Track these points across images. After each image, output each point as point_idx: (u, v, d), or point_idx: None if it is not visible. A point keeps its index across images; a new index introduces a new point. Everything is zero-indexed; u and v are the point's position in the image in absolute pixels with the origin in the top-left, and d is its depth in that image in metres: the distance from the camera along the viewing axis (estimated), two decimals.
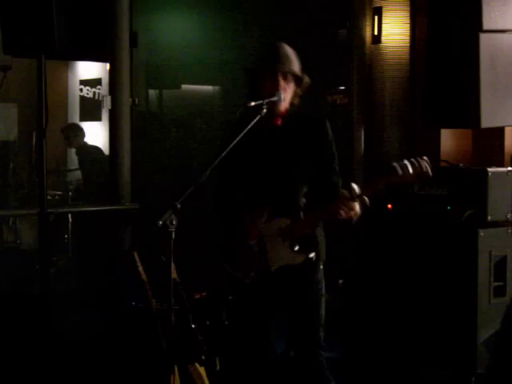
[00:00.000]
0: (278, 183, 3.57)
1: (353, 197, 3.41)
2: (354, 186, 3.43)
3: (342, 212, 3.42)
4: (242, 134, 3.36)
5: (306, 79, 3.62)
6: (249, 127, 3.38)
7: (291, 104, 3.61)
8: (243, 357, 3.75)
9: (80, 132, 8.67)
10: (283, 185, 3.57)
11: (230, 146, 3.33)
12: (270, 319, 3.71)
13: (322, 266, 3.66)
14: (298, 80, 3.59)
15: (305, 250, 3.55)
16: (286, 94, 3.54)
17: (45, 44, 4.25)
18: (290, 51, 3.59)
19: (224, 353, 4.13)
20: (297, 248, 3.53)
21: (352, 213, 3.43)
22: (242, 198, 3.69)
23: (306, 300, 3.61)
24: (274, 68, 3.52)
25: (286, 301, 3.65)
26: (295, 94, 3.61)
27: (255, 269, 3.57)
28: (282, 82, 3.51)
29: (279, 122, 3.59)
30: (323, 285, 3.66)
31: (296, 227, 3.55)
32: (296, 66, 3.58)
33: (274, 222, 3.55)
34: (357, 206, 3.44)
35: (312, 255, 3.56)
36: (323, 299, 3.65)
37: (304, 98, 3.66)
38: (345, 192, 3.45)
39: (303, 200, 3.59)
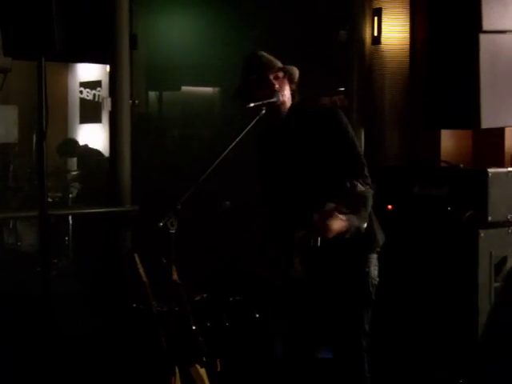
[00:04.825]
0: (292, 185, 3.52)
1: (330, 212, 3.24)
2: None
3: (314, 235, 3.26)
4: (241, 136, 3.37)
5: (294, 70, 3.59)
6: (247, 129, 3.39)
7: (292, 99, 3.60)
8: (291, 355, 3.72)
9: (72, 149, 8.73)
10: (296, 187, 3.51)
11: (230, 147, 3.33)
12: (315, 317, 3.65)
13: (371, 256, 3.54)
14: (288, 75, 3.56)
15: (304, 263, 3.42)
16: (284, 91, 3.52)
17: (45, 46, 4.25)
18: (268, 55, 3.59)
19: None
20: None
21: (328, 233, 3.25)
22: (269, 203, 3.68)
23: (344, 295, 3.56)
24: (264, 73, 3.50)
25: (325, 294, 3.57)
26: (292, 89, 3.59)
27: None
28: (275, 83, 3.50)
29: (281, 121, 3.55)
30: (368, 279, 3.56)
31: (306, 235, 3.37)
32: (279, 63, 3.57)
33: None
34: (335, 224, 3.25)
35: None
36: (370, 293, 3.60)
37: (304, 99, 3.66)
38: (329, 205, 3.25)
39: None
